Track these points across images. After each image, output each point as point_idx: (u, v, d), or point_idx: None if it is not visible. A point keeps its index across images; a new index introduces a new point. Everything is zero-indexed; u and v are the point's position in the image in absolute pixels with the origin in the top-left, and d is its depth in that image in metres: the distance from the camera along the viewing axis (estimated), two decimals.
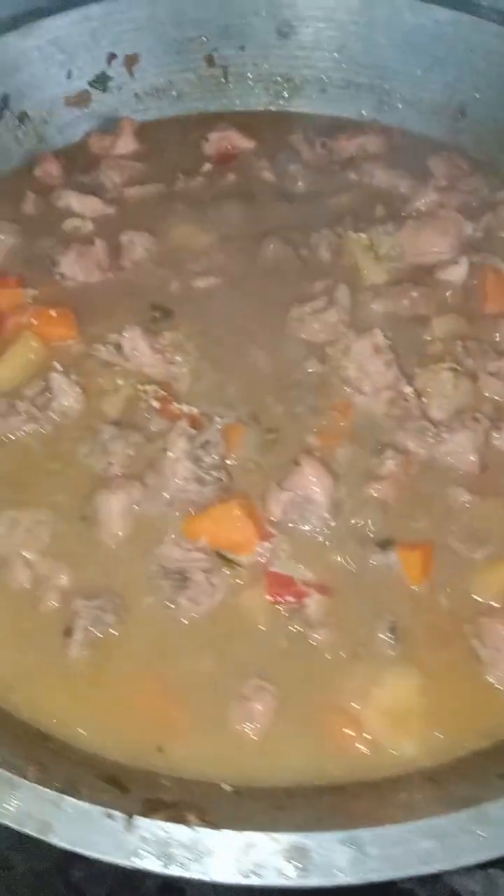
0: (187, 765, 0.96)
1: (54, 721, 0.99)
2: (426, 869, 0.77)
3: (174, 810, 0.80)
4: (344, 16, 1.66)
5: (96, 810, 0.78)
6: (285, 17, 1.67)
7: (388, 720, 1.00)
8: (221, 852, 0.77)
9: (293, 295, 1.42)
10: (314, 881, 0.76)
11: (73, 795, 0.80)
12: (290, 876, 0.76)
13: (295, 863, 0.76)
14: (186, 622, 1.07)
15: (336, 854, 0.77)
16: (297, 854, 0.77)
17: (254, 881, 0.75)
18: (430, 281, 1.45)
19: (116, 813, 0.78)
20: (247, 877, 0.75)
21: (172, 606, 1.07)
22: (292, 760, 0.97)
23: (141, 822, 0.78)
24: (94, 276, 1.43)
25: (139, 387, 1.28)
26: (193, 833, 0.78)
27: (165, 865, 0.76)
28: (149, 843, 0.77)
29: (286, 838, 0.78)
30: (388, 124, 1.73)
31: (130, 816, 0.78)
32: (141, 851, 0.77)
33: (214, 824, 0.79)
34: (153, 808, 0.81)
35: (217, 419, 1.19)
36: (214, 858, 0.77)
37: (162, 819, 0.78)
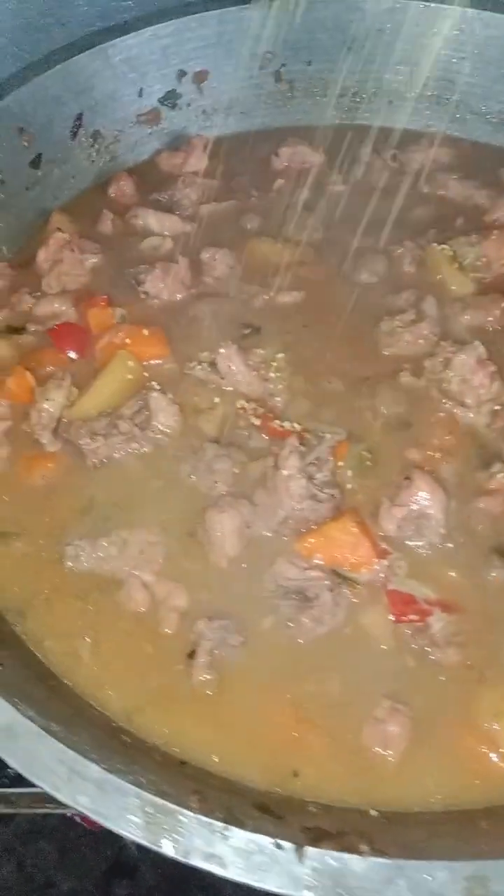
0: (325, 790, 0.94)
1: (185, 747, 0.97)
2: None
3: (342, 839, 0.78)
4: (411, 29, 1.66)
5: (265, 841, 0.76)
6: (352, 33, 1.67)
7: None
8: (399, 883, 0.74)
9: (380, 307, 1.41)
10: None
11: (237, 825, 0.77)
12: None
13: (476, 891, 0.74)
14: (308, 643, 1.05)
15: None
16: (477, 883, 0.74)
17: None
18: None
19: (286, 843, 0.76)
20: None
21: (293, 626, 1.05)
22: (433, 783, 0.95)
23: (312, 852, 0.76)
24: (178, 293, 1.42)
25: (237, 404, 1.26)
26: (366, 863, 0.75)
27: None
28: (321, 875, 0.75)
29: (463, 867, 0.75)
30: (458, 136, 1.72)
31: (301, 846, 0.75)
32: (314, 883, 0.74)
33: (386, 853, 0.76)
34: (318, 836, 0.78)
35: (327, 436, 1.17)
36: (391, 890, 0.74)
37: (332, 848, 0.76)
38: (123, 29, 1.55)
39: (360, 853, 0.76)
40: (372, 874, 0.75)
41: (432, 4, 1.63)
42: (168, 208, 1.56)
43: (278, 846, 0.76)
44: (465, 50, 1.66)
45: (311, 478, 1.13)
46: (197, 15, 1.59)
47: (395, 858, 0.75)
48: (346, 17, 1.66)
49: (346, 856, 0.76)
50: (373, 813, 0.90)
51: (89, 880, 2.57)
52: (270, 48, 1.67)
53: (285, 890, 0.74)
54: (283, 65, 1.70)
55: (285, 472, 1.12)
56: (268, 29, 1.64)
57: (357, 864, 0.75)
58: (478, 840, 0.85)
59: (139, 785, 0.79)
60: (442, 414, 1.27)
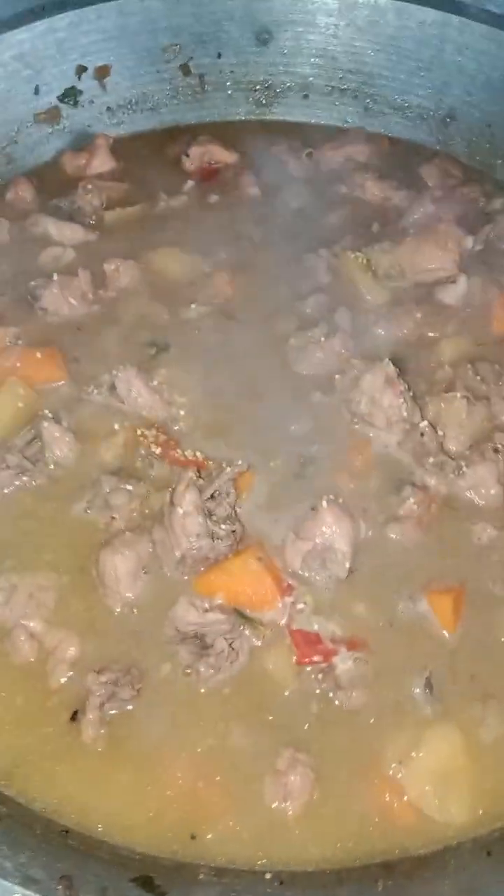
0: (223, 851, 0.90)
1: (72, 812, 0.91)
2: None
3: None
4: (324, 19, 1.59)
5: None
6: (263, 23, 1.59)
7: (433, 786, 0.94)
8: None
9: (292, 321, 1.35)
10: None
11: None
12: None
13: None
14: (209, 691, 1.00)
15: None
16: None
17: None
18: (432, 300, 1.39)
19: None
20: None
21: (192, 674, 1.00)
22: (336, 838, 0.91)
23: None
24: (79, 309, 1.34)
25: (138, 431, 1.19)
26: None
27: None
28: None
29: None
30: (375, 131, 1.66)
31: None
32: None
33: None
34: None
35: (227, 468, 1.11)
36: None
37: None
38: (14, 23, 1.44)
39: None
40: None
41: None
42: (69, 216, 1.47)
43: None
44: (380, 41, 1.60)
45: (209, 514, 1.07)
46: (95, 6, 1.49)
47: None
48: (254, 6, 1.58)
49: None
50: (267, 876, 0.86)
51: None
52: (176, 40, 1.58)
53: None
54: (191, 58, 1.61)
55: (181, 510, 1.05)
56: (172, 19, 1.56)
57: None
58: None
59: (2, 871, 0.73)
60: (353, 436, 1.22)
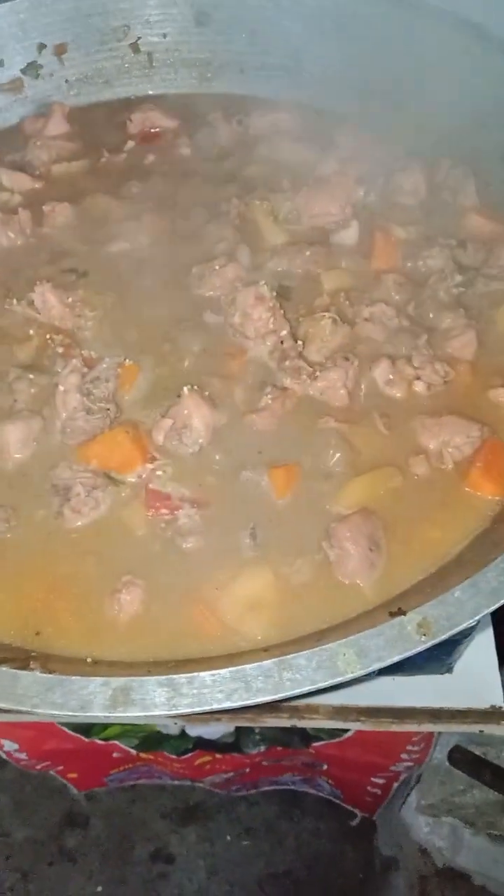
0: (60, 646, 1.11)
1: None
2: (228, 704, 0.90)
3: (22, 662, 0.95)
4: (253, 1, 1.80)
5: None
6: (201, 6, 1.82)
7: (241, 609, 1.14)
8: (56, 691, 0.91)
9: (199, 256, 1.56)
10: (134, 712, 0.90)
11: None
12: (111, 709, 0.90)
13: (119, 698, 0.91)
14: (74, 532, 1.22)
15: (154, 693, 0.91)
16: (121, 692, 0.91)
17: (79, 713, 0.89)
18: (326, 241, 1.59)
19: None
20: (76, 710, 0.90)
21: (59, 518, 1.22)
22: (153, 641, 1.12)
23: None
24: (17, 241, 1.59)
25: (47, 336, 1.43)
26: (32, 676, 0.92)
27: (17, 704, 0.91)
28: None
29: (115, 681, 0.92)
30: (302, 101, 1.86)
31: None
32: None
33: (54, 672, 0.93)
34: (4, 661, 0.95)
35: (107, 359, 1.33)
36: (49, 696, 0.91)
37: (10, 667, 0.93)
38: None
39: (30, 669, 0.93)
40: (34, 685, 0.92)
41: None
42: (21, 167, 1.72)
43: None
44: (304, 20, 1.80)
45: (88, 394, 1.30)
46: None
47: (58, 675, 0.92)
48: None
49: (19, 672, 0.93)
50: (87, 660, 1.07)
51: (43, 830, 2.79)
52: (126, 22, 1.83)
53: None
54: (140, 37, 1.85)
55: (62, 388, 1.28)
56: (121, 3, 1.81)
57: (27, 678, 0.92)
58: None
59: None
60: (232, 345, 1.43)
